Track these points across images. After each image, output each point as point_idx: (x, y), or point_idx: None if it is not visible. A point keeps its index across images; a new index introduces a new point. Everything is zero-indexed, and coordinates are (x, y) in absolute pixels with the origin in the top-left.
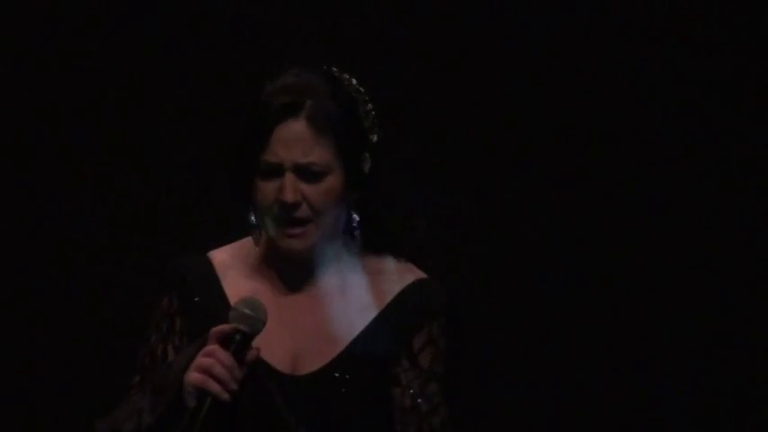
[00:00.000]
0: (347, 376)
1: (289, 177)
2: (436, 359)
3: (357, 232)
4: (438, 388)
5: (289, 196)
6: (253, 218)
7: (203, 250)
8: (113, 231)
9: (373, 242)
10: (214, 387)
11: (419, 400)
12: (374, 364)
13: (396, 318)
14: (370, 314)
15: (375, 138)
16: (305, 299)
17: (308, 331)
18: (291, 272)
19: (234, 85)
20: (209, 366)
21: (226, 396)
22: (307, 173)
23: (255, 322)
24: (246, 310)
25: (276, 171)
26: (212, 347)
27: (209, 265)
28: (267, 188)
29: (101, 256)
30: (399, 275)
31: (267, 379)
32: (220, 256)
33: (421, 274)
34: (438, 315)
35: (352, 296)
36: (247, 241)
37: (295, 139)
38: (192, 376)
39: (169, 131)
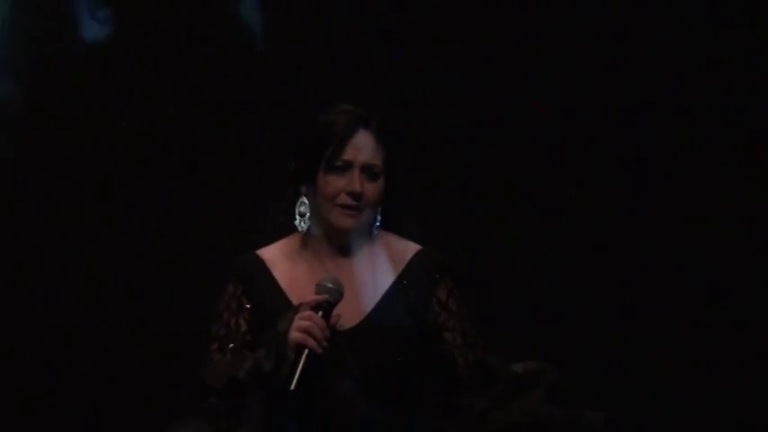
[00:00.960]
0: (377, 328)
1: (357, 173)
2: (459, 304)
3: (379, 221)
4: (471, 323)
5: (358, 187)
6: (302, 207)
7: (253, 249)
8: (187, 236)
9: (387, 227)
10: (311, 343)
11: (466, 336)
12: (398, 316)
13: (410, 278)
14: (390, 278)
15: (398, 164)
16: (343, 271)
17: (357, 292)
18: (327, 256)
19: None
20: (307, 327)
21: (320, 350)
22: (369, 172)
23: (337, 293)
24: (330, 285)
25: (347, 168)
26: (309, 313)
27: (260, 260)
28: (336, 181)
29: (180, 256)
30: (403, 248)
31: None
32: (267, 253)
33: (419, 246)
34: (445, 272)
35: (375, 266)
36: (284, 241)
37: (365, 145)
38: (294, 335)
39: (224, 157)
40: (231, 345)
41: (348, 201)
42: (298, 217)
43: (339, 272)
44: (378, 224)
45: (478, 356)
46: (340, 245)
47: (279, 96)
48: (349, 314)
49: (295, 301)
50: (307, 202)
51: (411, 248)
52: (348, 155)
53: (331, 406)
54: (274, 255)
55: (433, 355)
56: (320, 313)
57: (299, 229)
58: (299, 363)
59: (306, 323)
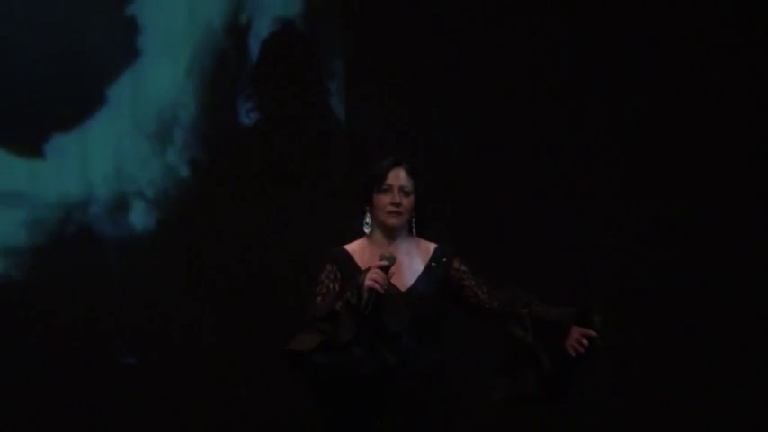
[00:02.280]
0: (419, 292)
1: (396, 193)
2: (468, 269)
3: (414, 226)
4: (480, 278)
5: (397, 200)
6: (367, 218)
7: (341, 245)
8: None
9: (418, 231)
10: (377, 287)
11: (478, 280)
12: (432, 284)
13: (435, 262)
14: (424, 261)
15: (421, 189)
16: (399, 255)
17: (399, 271)
18: (384, 246)
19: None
20: (375, 277)
21: (382, 291)
22: (404, 191)
23: (392, 259)
24: (388, 254)
25: (390, 190)
26: (375, 269)
27: (344, 250)
28: (384, 198)
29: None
30: (428, 245)
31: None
32: (349, 246)
33: (436, 244)
34: (456, 254)
35: (414, 254)
36: (359, 240)
37: (400, 176)
38: (367, 282)
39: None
40: (328, 298)
41: (392, 209)
42: (365, 224)
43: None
44: (413, 227)
45: (491, 289)
46: (390, 239)
47: (357, 157)
48: (400, 283)
49: None
50: (369, 215)
51: (432, 245)
52: (389, 181)
53: (387, 335)
54: (352, 248)
55: (459, 301)
56: (383, 271)
57: (366, 231)
58: (370, 298)
59: (373, 275)
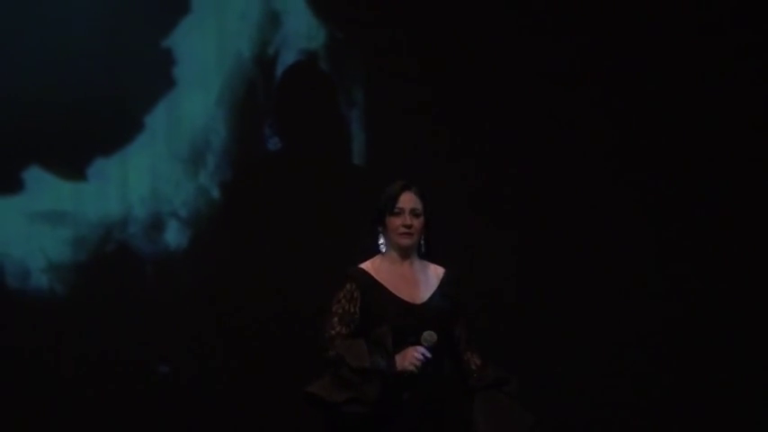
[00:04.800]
0: (434, 305)
1: (408, 215)
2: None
3: (422, 247)
4: (470, 328)
5: (408, 221)
6: (382, 239)
7: (358, 263)
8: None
9: (425, 253)
10: (414, 369)
11: (472, 343)
12: (444, 300)
13: (445, 285)
14: (436, 282)
15: (430, 211)
16: (409, 273)
17: (415, 286)
18: (398, 264)
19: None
20: (415, 362)
21: (417, 372)
22: (414, 213)
23: (432, 341)
24: (428, 335)
25: (401, 213)
26: (419, 356)
27: (363, 269)
28: (396, 220)
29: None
30: (437, 268)
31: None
32: (365, 265)
33: (442, 269)
34: (460, 282)
35: (427, 274)
36: (374, 258)
37: (410, 199)
38: (408, 367)
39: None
40: (345, 321)
41: (403, 230)
42: (380, 244)
43: (409, 273)
44: (422, 247)
45: (473, 354)
46: (403, 257)
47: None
48: (416, 296)
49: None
50: (382, 236)
51: (441, 269)
52: (401, 204)
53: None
54: (369, 266)
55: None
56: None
57: (382, 250)
58: (406, 376)
59: (415, 361)
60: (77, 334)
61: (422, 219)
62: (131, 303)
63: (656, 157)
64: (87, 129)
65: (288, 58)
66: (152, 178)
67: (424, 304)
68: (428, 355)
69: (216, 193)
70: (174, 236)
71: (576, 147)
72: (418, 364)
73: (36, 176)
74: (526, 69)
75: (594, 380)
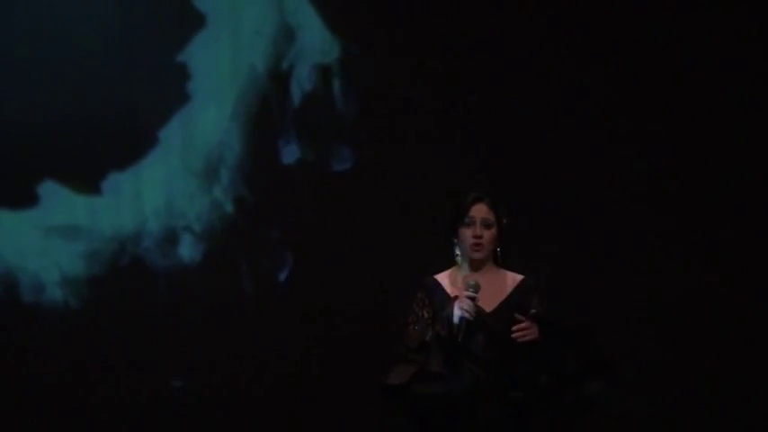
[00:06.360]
0: (502, 314)
1: (479, 226)
2: (545, 307)
3: (499, 256)
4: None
5: (479, 232)
6: (457, 249)
7: (433, 273)
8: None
9: (501, 262)
10: (466, 315)
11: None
12: (513, 307)
13: (519, 292)
14: (509, 289)
15: (504, 221)
16: (482, 281)
17: (487, 294)
18: (473, 273)
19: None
20: (464, 306)
21: (472, 318)
22: (485, 224)
23: (477, 288)
24: (473, 282)
25: (472, 223)
26: (463, 299)
27: (435, 280)
28: (468, 231)
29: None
30: (515, 276)
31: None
32: (439, 276)
33: (521, 276)
34: (537, 290)
35: (499, 281)
36: (450, 269)
37: (481, 209)
38: (456, 312)
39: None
40: (419, 325)
41: (474, 241)
42: (456, 255)
43: (482, 282)
44: (499, 255)
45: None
46: (476, 268)
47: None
48: (486, 304)
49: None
50: (457, 246)
51: (518, 277)
52: (472, 213)
53: (474, 353)
54: (442, 277)
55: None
56: (470, 300)
57: (457, 261)
58: (460, 326)
59: (462, 304)
60: (91, 347)
61: (493, 230)
62: (145, 317)
63: (657, 158)
64: (102, 143)
65: (302, 72)
66: (166, 192)
67: (492, 312)
68: (473, 295)
69: (230, 208)
70: (187, 250)
71: (579, 140)
72: (466, 307)
73: (51, 190)
74: (542, 78)
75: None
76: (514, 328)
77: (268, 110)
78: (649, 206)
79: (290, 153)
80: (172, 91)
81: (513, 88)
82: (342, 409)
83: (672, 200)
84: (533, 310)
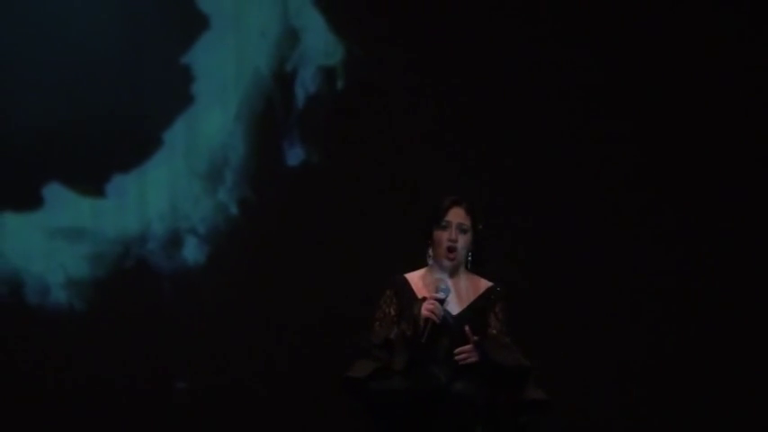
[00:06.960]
0: (468, 316)
1: (454, 230)
2: (504, 318)
3: (470, 262)
4: (508, 331)
5: (454, 236)
6: (430, 251)
7: (403, 272)
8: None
9: (472, 267)
10: (433, 316)
11: (504, 338)
12: (477, 313)
13: (484, 299)
14: (475, 294)
15: (480, 226)
16: (451, 285)
17: (456, 299)
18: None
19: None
20: (430, 307)
21: (438, 321)
22: (461, 228)
23: (447, 292)
24: (443, 286)
25: (448, 227)
26: (431, 300)
27: (405, 279)
28: (443, 235)
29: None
30: (483, 283)
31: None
32: (410, 275)
33: (490, 283)
34: (502, 298)
35: (467, 287)
36: (421, 270)
37: (458, 214)
38: (423, 313)
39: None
40: (384, 322)
41: (449, 245)
42: (428, 257)
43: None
44: (470, 260)
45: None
46: (447, 272)
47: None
48: (454, 308)
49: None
50: (430, 249)
51: (485, 283)
52: (448, 217)
53: (436, 354)
54: (412, 276)
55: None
56: (438, 302)
57: (429, 263)
58: (426, 327)
59: (429, 305)
60: (96, 349)
61: (469, 235)
62: (149, 319)
63: (659, 157)
64: (106, 145)
65: (306, 74)
66: (170, 194)
67: (457, 315)
68: (442, 297)
69: (234, 210)
70: (192, 252)
71: (582, 145)
72: (432, 308)
73: (55, 193)
74: (543, 86)
75: (599, 375)
76: (456, 351)
77: (272, 112)
78: (649, 206)
79: (294, 155)
80: (176, 93)
81: (518, 90)
82: (345, 409)
83: (671, 200)
84: (476, 338)
